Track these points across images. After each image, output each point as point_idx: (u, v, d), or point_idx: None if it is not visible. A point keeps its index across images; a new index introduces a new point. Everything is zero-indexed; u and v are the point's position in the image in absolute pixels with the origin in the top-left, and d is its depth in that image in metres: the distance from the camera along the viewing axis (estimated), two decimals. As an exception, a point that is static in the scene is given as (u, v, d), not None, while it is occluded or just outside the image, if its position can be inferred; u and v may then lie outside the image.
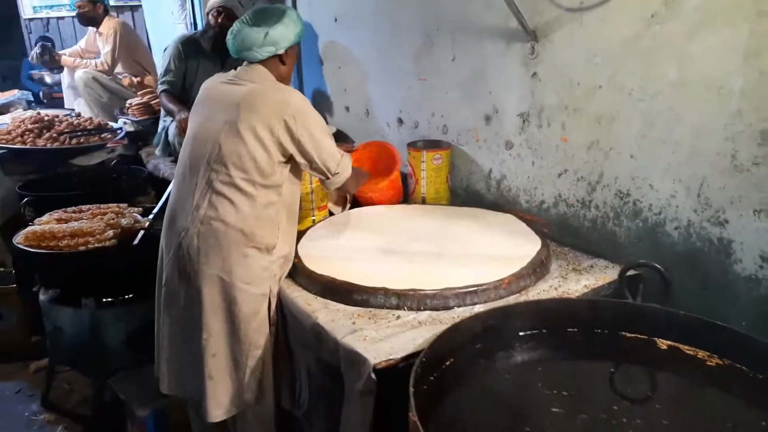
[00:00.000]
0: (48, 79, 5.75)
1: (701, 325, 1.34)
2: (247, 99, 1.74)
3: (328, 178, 1.86)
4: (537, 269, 1.72)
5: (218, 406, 1.74)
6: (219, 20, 3.28)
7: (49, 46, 5.07)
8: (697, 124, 1.52)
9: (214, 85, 1.90)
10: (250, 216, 1.73)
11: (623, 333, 1.42)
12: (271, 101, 1.73)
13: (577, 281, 1.71)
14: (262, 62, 1.87)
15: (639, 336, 1.41)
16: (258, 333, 1.74)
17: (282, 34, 1.85)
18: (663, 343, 1.38)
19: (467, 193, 2.42)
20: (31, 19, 6.90)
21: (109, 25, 4.81)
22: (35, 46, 5.84)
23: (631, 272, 1.65)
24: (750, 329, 1.29)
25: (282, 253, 1.80)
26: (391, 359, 1.34)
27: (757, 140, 1.40)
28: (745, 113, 1.41)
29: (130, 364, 2.42)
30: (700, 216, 1.57)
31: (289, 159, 1.78)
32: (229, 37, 1.88)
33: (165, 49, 3.47)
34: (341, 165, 1.85)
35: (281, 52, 1.87)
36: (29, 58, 5.36)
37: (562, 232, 2.00)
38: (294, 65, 2.01)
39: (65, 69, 5.11)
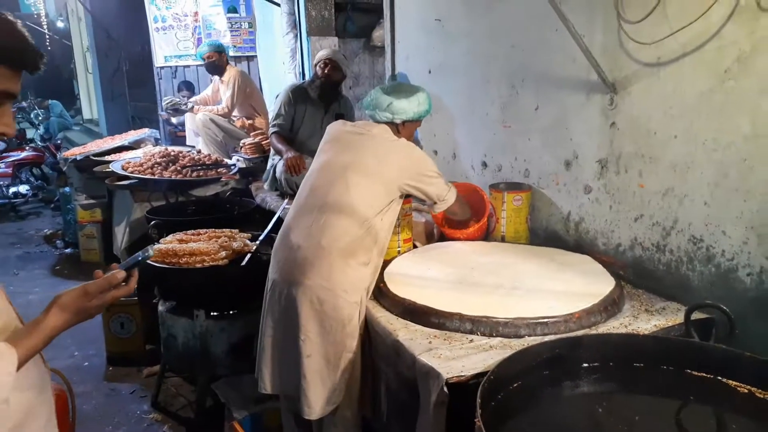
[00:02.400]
0: (173, 120, 6.36)
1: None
2: (375, 146, 2.08)
3: (435, 204, 2.21)
4: (608, 307, 1.76)
5: (315, 404, 1.90)
6: (325, 71, 3.58)
7: (179, 104, 5.63)
8: (769, 174, 1.55)
9: (340, 130, 2.20)
10: (355, 238, 1.95)
11: (689, 371, 1.45)
12: (400, 157, 2.07)
13: (647, 321, 1.74)
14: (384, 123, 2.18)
15: (705, 375, 1.43)
16: (350, 337, 1.89)
17: (403, 108, 2.16)
18: (728, 383, 1.39)
19: (546, 234, 2.49)
20: (162, 68, 7.68)
21: (230, 73, 5.31)
22: (177, 90, 6.53)
23: (702, 315, 1.68)
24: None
25: (372, 270, 1.99)
26: (462, 375, 1.44)
27: (829, 191, 1.41)
28: (816, 165, 1.43)
29: (231, 371, 2.65)
30: (773, 263, 1.58)
31: (403, 195, 2.10)
32: (365, 100, 2.25)
33: (277, 96, 3.82)
34: (448, 195, 2.20)
35: (398, 122, 2.17)
36: (163, 109, 5.97)
37: (637, 275, 2.03)
38: (410, 137, 2.27)
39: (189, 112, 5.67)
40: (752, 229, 1.62)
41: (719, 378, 1.41)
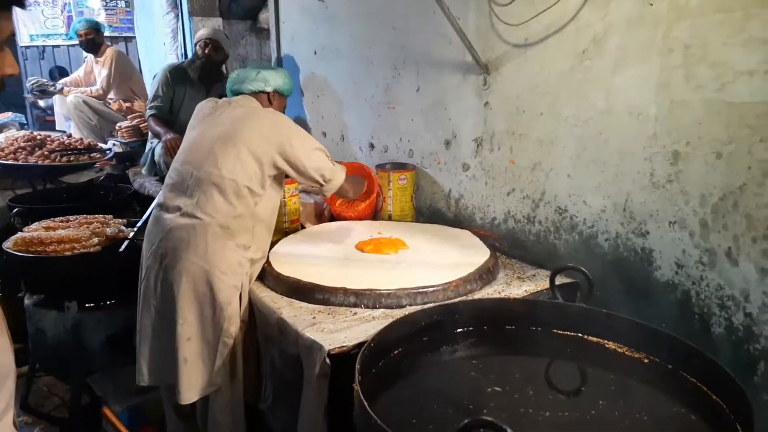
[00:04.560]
0: (41, 103, 5.86)
1: (624, 323, 1.45)
2: (243, 118, 1.96)
3: (322, 186, 2.04)
4: (483, 275, 1.85)
5: (191, 389, 1.83)
6: (206, 51, 3.45)
7: (46, 84, 5.19)
8: (621, 146, 1.69)
9: (209, 106, 2.11)
10: (231, 215, 1.88)
11: (555, 330, 1.55)
12: (265, 123, 1.95)
13: (519, 287, 1.84)
14: (252, 95, 2.12)
15: (569, 333, 1.54)
16: (229, 322, 1.84)
17: (271, 76, 2.16)
18: (590, 340, 1.50)
19: (430, 212, 2.57)
20: (27, 47, 7.03)
21: (107, 53, 4.97)
22: (49, 76, 5.99)
23: (567, 280, 1.80)
24: (668, 329, 1.42)
25: (255, 256, 1.93)
26: (344, 346, 1.46)
27: (670, 160, 1.56)
28: (659, 136, 1.58)
29: (109, 365, 2.50)
30: (626, 228, 1.73)
31: (279, 172, 1.97)
32: (228, 80, 2.17)
33: (154, 76, 3.62)
34: (335, 174, 2.04)
35: (269, 90, 2.15)
36: (28, 92, 5.47)
37: (510, 245, 2.14)
38: (280, 111, 2.22)
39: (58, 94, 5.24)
40: (608, 197, 1.76)
41: (581, 335, 1.51)
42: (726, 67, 1.41)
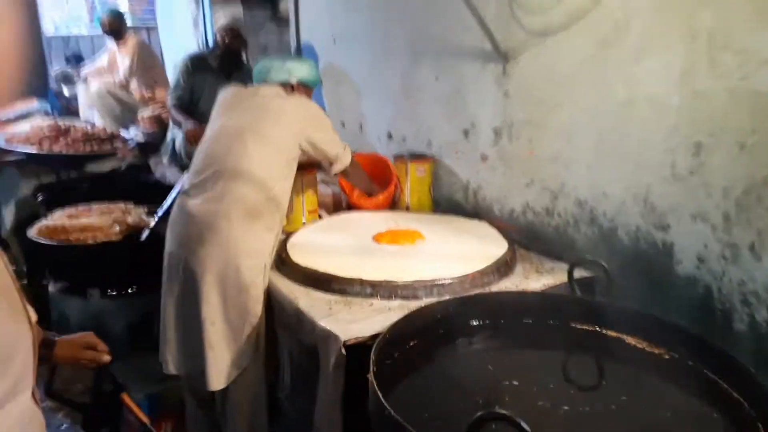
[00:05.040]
0: (66, 92, 5.93)
1: (644, 317, 1.43)
2: (267, 107, 2.02)
3: (330, 164, 2.17)
4: (501, 268, 1.84)
5: (219, 375, 1.86)
6: (226, 40, 3.46)
7: (70, 74, 5.26)
8: (642, 137, 1.66)
9: (233, 94, 2.15)
10: (254, 202, 1.91)
11: (573, 324, 1.53)
12: (289, 110, 2.03)
13: (537, 280, 1.83)
14: (278, 85, 2.14)
15: (587, 327, 1.52)
16: (254, 301, 1.86)
17: (297, 67, 2.20)
18: (607, 333, 1.48)
19: (448, 203, 2.55)
20: (52, 37, 7.12)
21: (129, 43, 5.01)
22: (66, 63, 6.07)
23: (586, 273, 1.78)
24: (689, 324, 1.40)
25: (275, 237, 1.97)
26: (360, 337, 1.47)
27: (692, 151, 1.53)
28: (681, 127, 1.55)
29: (130, 352, 2.54)
30: (646, 221, 1.70)
31: (301, 154, 2.05)
32: (255, 69, 2.21)
33: (175, 66, 3.65)
34: (344, 154, 2.19)
35: (293, 81, 2.17)
36: (53, 81, 5.56)
37: (529, 238, 2.12)
38: None
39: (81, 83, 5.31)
40: (629, 190, 1.73)
41: (599, 329, 1.49)
42: (750, 55, 1.37)
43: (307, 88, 2.25)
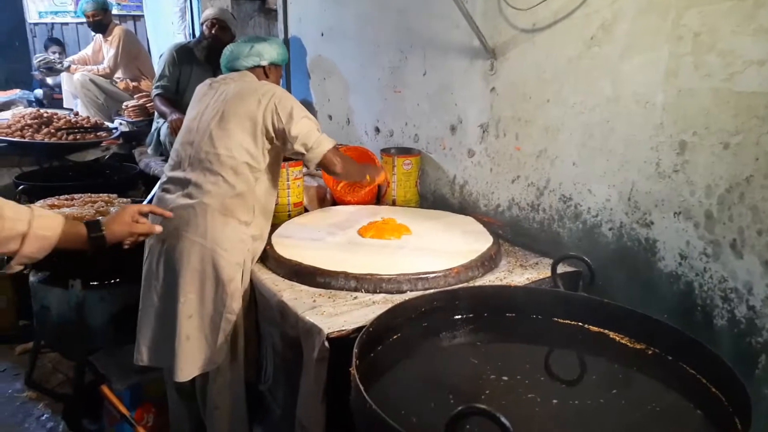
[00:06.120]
0: (49, 81, 5.85)
1: (626, 313, 1.44)
2: (236, 94, 1.95)
3: (304, 155, 1.93)
4: (485, 262, 1.84)
5: (190, 364, 1.83)
6: (212, 31, 3.42)
7: (53, 62, 5.18)
8: (627, 134, 1.66)
9: (207, 85, 2.10)
10: (230, 194, 1.87)
11: (556, 319, 1.53)
12: (255, 94, 1.92)
13: (521, 275, 1.83)
14: (248, 71, 2.10)
15: (570, 322, 1.53)
16: (232, 298, 1.84)
17: (265, 49, 2.13)
18: (590, 328, 1.49)
19: (435, 197, 2.56)
20: (36, 24, 7.00)
21: (114, 32, 4.94)
22: (45, 49, 5.97)
23: (570, 269, 1.79)
24: (671, 320, 1.40)
25: (256, 232, 1.94)
26: (343, 330, 1.46)
27: (676, 150, 1.54)
28: (666, 125, 1.56)
29: (111, 343, 2.51)
30: (630, 218, 1.71)
31: (273, 145, 1.94)
32: (222, 56, 2.15)
33: (161, 56, 3.61)
34: (321, 141, 1.93)
35: (264, 63, 2.13)
36: (34, 68, 5.47)
37: (515, 233, 2.13)
38: (277, 83, 2.19)
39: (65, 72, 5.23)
40: (614, 186, 1.74)
41: (581, 324, 1.50)
42: (735, 56, 1.39)
43: (278, 68, 2.22)
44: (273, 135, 1.91)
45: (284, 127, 1.88)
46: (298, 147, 1.91)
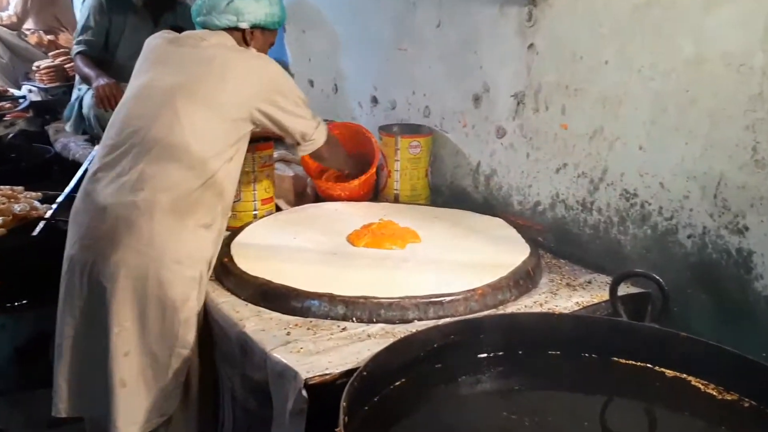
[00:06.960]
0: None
1: (712, 351, 1.42)
2: (214, 64, 1.98)
3: (298, 145, 2.17)
4: (520, 281, 1.83)
5: (131, 422, 1.82)
6: (156, -33, 3.41)
7: None
8: (714, 109, 1.65)
9: (163, 43, 2.11)
10: (189, 189, 1.88)
11: (615, 359, 1.52)
12: (242, 72, 2.00)
13: (568, 298, 1.82)
14: (225, 31, 2.13)
15: (635, 363, 1.51)
16: (186, 326, 1.83)
17: (248, 6, 2.12)
18: (664, 373, 1.47)
19: (451, 191, 2.56)
20: None
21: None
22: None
23: (635, 290, 1.78)
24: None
25: (215, 236, 1.96)
26: (327, 374, 1.44)
27: (781, 130, 1.53)
28: (767, 96, 1.54)
29: (17, 387, 2.50)
30: (716, 222, 1.69)
31: (255, 128, 2.03)
32: (193, 8, 2.18)
33: (83, 1, 3.60)
34: (316, 132, 2.16)
35: (244, 26, 2.14)
36: None
37: (558, 241, 2.12)
38: (264, 52, 2.22)
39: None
40: (695, 179, 1.72)
41: (650, 366, 1.49)
42: None
43: (265, 33, 2.23)
44: (263, 122, 2.03)
45: (279, 120, 2.04)
46: (292, 138, 2.13)
